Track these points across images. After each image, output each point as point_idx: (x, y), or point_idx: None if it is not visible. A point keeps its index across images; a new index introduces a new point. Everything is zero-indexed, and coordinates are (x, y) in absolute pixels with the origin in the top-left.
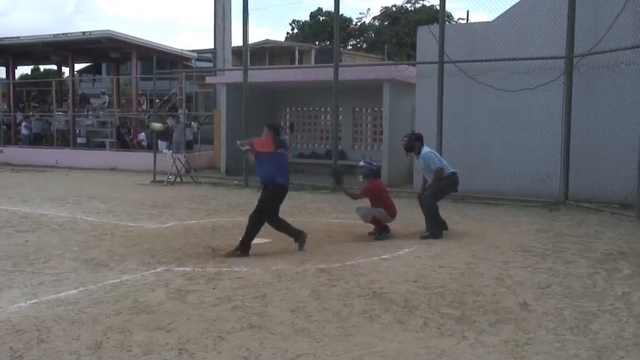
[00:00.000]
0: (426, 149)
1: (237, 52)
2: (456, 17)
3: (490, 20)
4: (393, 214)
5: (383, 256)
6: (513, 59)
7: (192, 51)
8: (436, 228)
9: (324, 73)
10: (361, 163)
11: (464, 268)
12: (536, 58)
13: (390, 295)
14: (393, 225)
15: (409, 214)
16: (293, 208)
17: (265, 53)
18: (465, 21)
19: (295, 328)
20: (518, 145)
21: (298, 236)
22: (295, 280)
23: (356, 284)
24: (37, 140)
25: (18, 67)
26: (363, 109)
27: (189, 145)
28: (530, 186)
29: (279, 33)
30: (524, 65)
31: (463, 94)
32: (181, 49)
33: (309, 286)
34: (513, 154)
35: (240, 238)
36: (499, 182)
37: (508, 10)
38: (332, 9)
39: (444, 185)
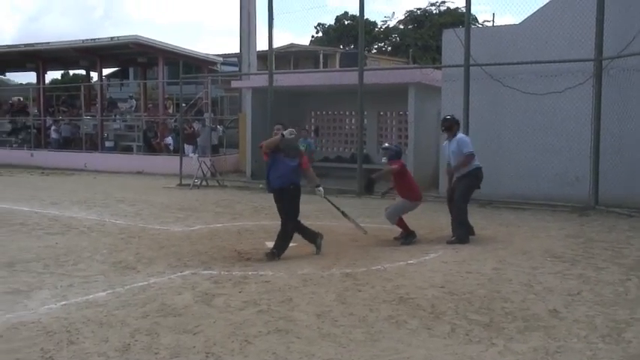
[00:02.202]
0: (462, 134)
1: (262, 57)
2: (481, 20)
3: (517, 23)
4: (418, 198)
5: (409, 261)
6: (541, 62)
7: (218, 55)
8: (463, 233)
9: (349, 77)
10: (386, 145)
11: (491, 274)
12: (565, 61)
13: (416, 301)
14: (418, 230)
15: (435, 219)
16: (318, 212)
17: (290, 57)
18: (490, 24)
19: (321, 333)
20: (546, 148)
21: (314, 239)
22: (321, 285)
23: (382, 289)
24: (66, 144)
25: (48, 72)
26: (388, 113)
27: (215, 149)
28: (559, 190)
29: (303, 37)
30: (551, 68)
31: (489, 98)
32: (207, 54)
33: (335, 290)
34: (541, 158)
35: (279, 242)
36: (527, 186)
37: (535, 12)
38: (357, 13)
39: (470, 182)
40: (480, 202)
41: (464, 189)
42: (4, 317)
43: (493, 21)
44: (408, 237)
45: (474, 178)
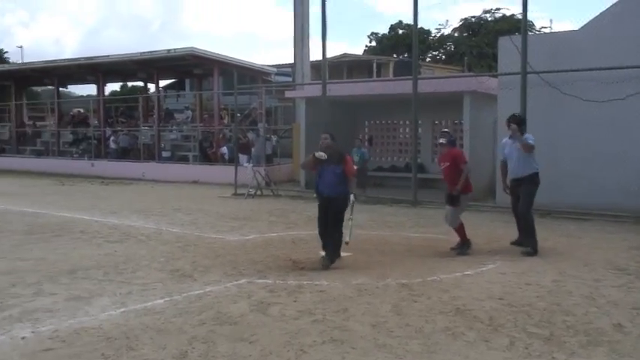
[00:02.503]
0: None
1: (315, 66)
2: (538, 26)
3: (576, 29)
4: (471, 189)
5: (466, 272)
6: (601, 69)
7: (272, 66)
8: (536, 243)
9: (403, 86)
10: (446, 129)
11: (552, 286)
12: (626, 67)
13: (474, 312)
14: (475, 240)
15: (492, 229)
16: (372, 222)
17: (344, 67)
18: (548, 30)
19: (377, 344)
20: (608, 157)
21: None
22: (376, 295)
23: (438, 300)
24: (125, 154)
25: (107, 84)
26: (443, 122)
27: (269, 159)
28: (622, 200)
29: (357, 46)
30: (612, 74)
31: (548, 106)
32: (261, 65)
33: (391, 301)
34: (603, 167)
35: (332, 250)
36: (588, 196)
37: (595, 17)
38: (411, 21)
39: (532, 189)
40: (539, 212)
41: (528, 198)
42: (66, 323)
43: (551, 27)
44: (463, 246)
45: (533, 184)
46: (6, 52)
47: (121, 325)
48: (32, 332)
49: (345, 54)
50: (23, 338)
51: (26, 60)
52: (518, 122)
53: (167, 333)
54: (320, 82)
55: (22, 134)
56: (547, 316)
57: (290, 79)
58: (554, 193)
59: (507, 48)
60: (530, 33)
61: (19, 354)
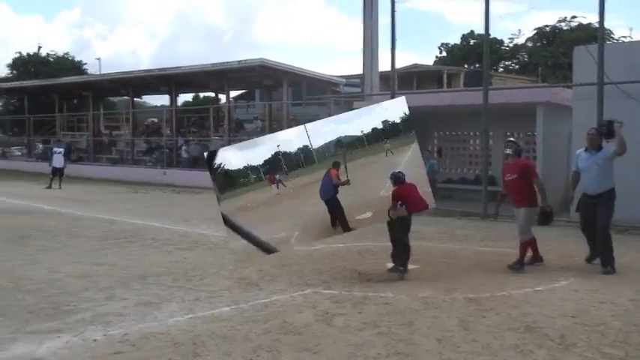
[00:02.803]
0: None
1: (384, 77)
2: (617, 35)
3: None
4: (537, 204)
5: (537, 288)
6: None
7: (341, 76)
8: (613, 261)
9: (474, 97)
10: (512, 138)
11: (628, 305)
12: None
13: (544, 330)
14: (547, 255)
15: (565, 244)
16: (441, 234)
17: (413, 77)
18: (627, 39)
19: (442, 358)
20: None
21: (402, 265)
22: (443, 309)
23: (507, 316)
24: (196, 163)
25: (180, 95)
26: (515, 134)
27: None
28: None
29: (427, 57)
30: None
31: (626, 118)
32: (330, 75)
33: (457, 315)
34: None
35: (400, 262)
36: None
37: None
38: (482, 31)
39: (611, 205)
40: (617, 228)
41: (607, 215)
42: (136, 327)
43: (630, 36)
44: (516, 264)
45: (612, 200)
46: (85, 63)
47: (188, 331)
48: (103, 335)
49: (414, 64)
50: (95, 341)
51: (104, 71)
52: (608, 132)
53: (233, 340)
54: (389, 92)
55: (99, 143)
56: (622, 336)
57: (359, 89)
58: (634, 209)
59: (583, 58)
60: (607, 42)
61: (90, 356)
